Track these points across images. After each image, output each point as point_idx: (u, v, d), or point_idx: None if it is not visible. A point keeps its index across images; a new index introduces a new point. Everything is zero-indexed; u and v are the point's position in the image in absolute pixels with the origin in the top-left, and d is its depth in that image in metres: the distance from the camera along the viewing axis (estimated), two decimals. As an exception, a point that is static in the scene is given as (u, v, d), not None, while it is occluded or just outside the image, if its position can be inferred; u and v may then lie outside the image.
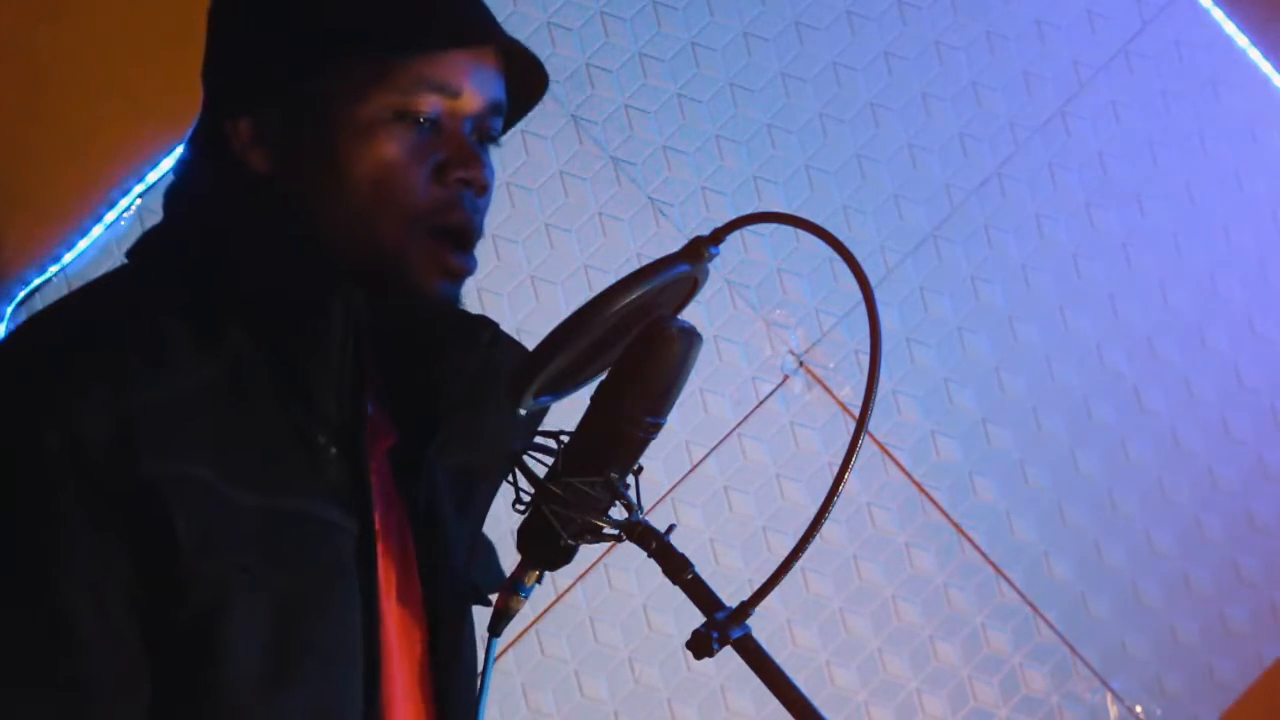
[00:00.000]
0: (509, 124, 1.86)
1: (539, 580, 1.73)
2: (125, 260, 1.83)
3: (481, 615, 1.83)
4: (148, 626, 1.65)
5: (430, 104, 1.75)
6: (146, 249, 1.80)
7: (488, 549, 1.90)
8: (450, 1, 1.79)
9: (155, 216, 2.82)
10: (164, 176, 2.86)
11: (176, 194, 1.81)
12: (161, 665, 1.65)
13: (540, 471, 1.69)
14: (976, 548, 3.10)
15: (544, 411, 1.81)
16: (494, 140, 1.82)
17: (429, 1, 1.77)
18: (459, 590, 1.84)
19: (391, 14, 1.75)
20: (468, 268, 1.79)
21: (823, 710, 1.60)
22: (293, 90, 1.75)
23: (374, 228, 1.74)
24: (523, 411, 1.70)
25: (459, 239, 1.77)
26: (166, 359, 1.67)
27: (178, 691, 1.65)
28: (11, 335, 1.78)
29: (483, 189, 1.77)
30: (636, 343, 1.65)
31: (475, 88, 1.77)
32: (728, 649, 1.61)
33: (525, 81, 1.84)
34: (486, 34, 1.79)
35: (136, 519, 1.63)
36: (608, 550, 2.92)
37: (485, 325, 1.87)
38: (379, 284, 1.75)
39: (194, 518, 1.63)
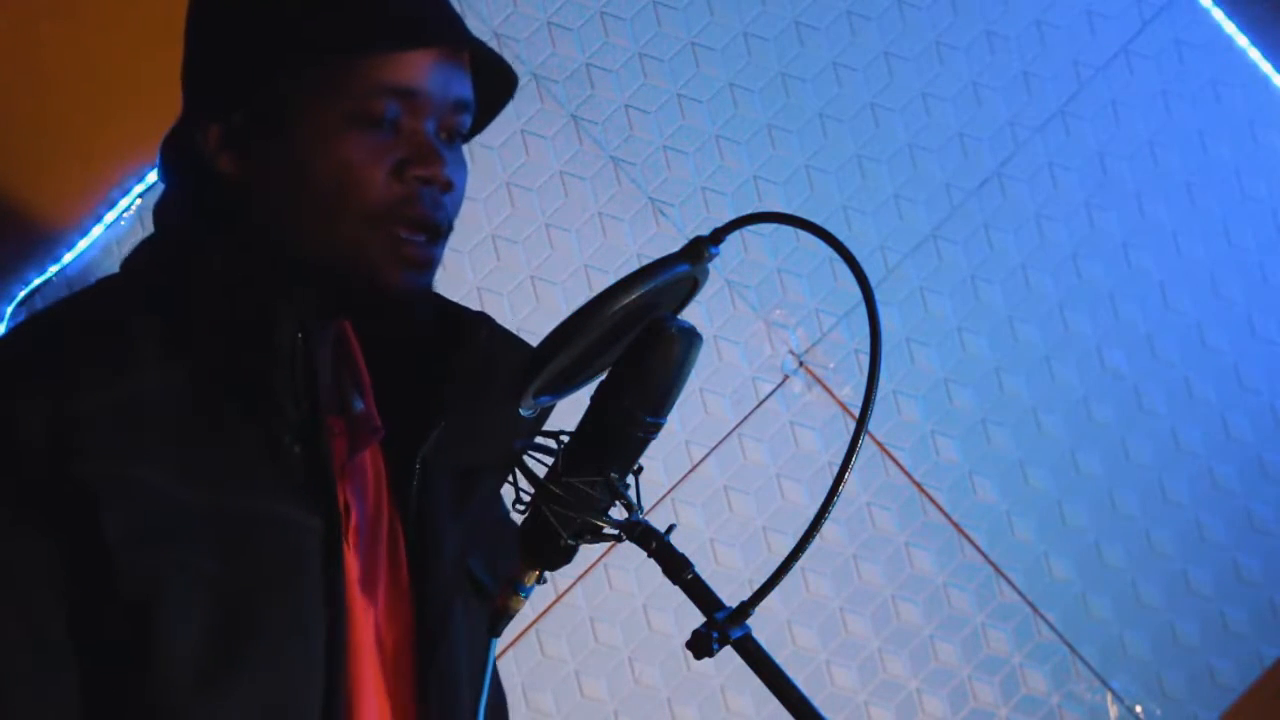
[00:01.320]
0: (486, 119, 1.87)
1: (539, 580, 1.73)
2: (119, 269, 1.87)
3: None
4: (83, 626, 1.67)
5: (386, 106, 1.76)
6: (136, 258, 1.83)
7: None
8: (405, 3, 1.79)
9: (155, 216, 2.85)
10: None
11: (159, 205, 1.85)
12: (98, 663, 1.67)
13: (540, 471, 1.69)
14: (976, 548, 3.10)
15: (549, 409, 1.81)
16: (464, 137, 1.82)
17: (382, 4, 1.77)
18: (449, 587, 1.84)
19: (343, 19, 1.76)
20: (432, 256, 1.79)
21: (823, 710, 1.60)
22: (256, 96, 1.77)
23: (335, 227, 1.75)
24: (527, 411, 1.71)
25: (420, 233, 1.77)
26: (124, 363, 1.71)
27: (115, 689, 1.67)
28: None
29: (446, 186, 1.78)
30: (636, 343, 1.65)
31: (435, 87, 1.77)
32: (728, 649, 1.62)
33: (495, 77, 1.84)
34: (437, 35, 1.79)
35: (67, 518, 1.66)
36: (608, 550, 2.92)
37: (483, 322, 1.88)
38: (345, 282, 1.77)
39: (125, 516, 1.66)
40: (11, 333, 1.83)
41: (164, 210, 1.85)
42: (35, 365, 1.70)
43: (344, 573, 1.75)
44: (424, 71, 1.77)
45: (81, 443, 1.67)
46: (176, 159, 1.83)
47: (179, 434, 1.71)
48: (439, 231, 1.78)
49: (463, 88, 1.80)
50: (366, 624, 1.78)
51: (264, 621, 1.71)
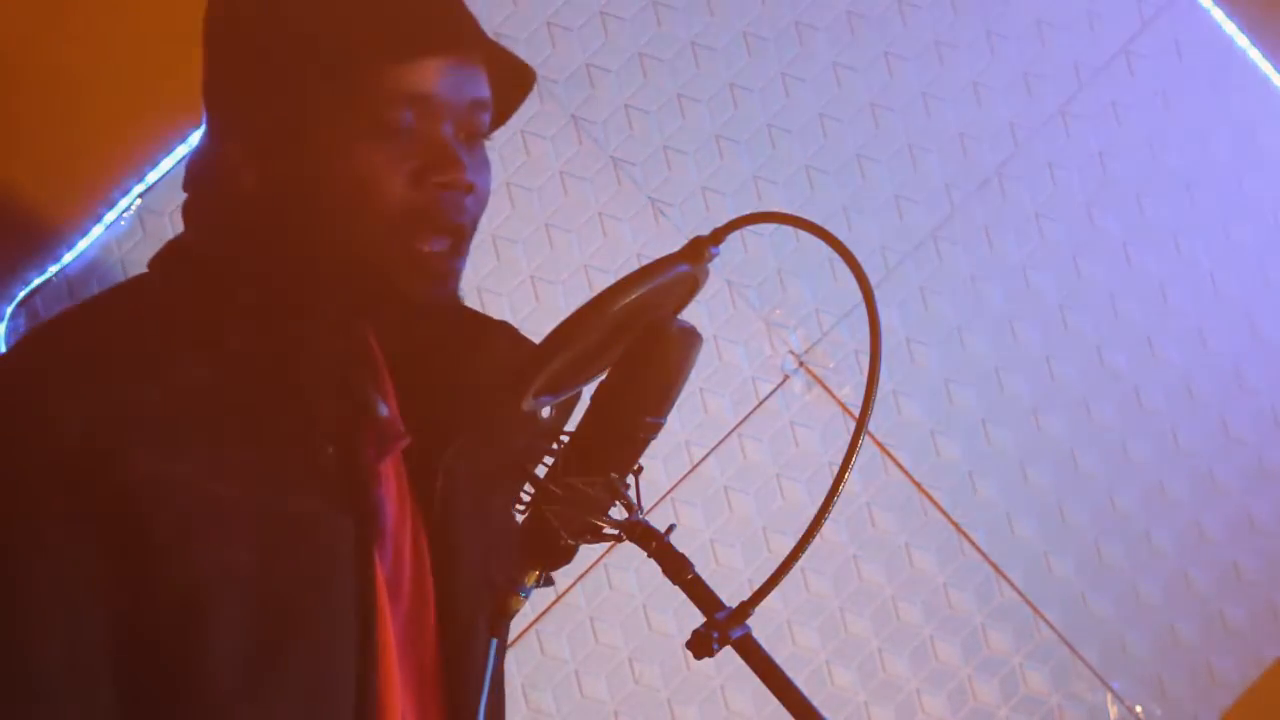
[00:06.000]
0: (504, 117, 1.87)
1: (539, 580, 1.73)
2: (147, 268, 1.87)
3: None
4: (128, 628, 1.66)
5: (400, 114, 1.76)
6: (164, 257, 1.83)
7: None
8: (411, 9, 1.79)
9: (155, 216, 2.85)
10: (164, 176, 2.86)
11: (187, 206, 1.85)
12: (145, 662, 1.67)
13: (541, 472, 1.69)
14: (976, 548, 3.10)
15: (568, 412, 1.82)
16: (484, 136, 1.82)
17: (388, 13, 1.77)
18: (473, 594, 1.85)
19: (349, 32, 1.76)
20: (453, 267, 1.79)
21: (823, 710, 1.60)
22: (272, 113, 1.76)
23: (355, 240, 1.75)
24: (546, 412, 1.72)
25: (442, 239, 1.77)
26: (160, 362, 1.70)
27: (162, 688, 1.67)
28: (14, 344, 1.82)
29: (467, 188, 1.77)
30: (636, 343, 1.65)
31: (449, 90, 1.77)
32: (728, 649, 1.62)
33: (512, 74, 1.84)
34: (441, 42, 1.79)
35: (113, 517, 1.65)
36: (608, 550, 2.92)
37: (504, 330, 1.88)
38: (367, 294, 1.77)
39: (172, 515, 1.66)
40: (42, 332, 1.82)
41: (192, 213, 1.85)
42: (69, 365, 1.70)
43: (375, 574, 1.75)
44: (434, 77, 1.76)
45: (121, 441, 1.66)
46: (201, 173, 1.83)
47: (214, 432, 1.71)
48: (461, 234, 1.78)
49: (476, 87, 1.80)
50: (391, 627, 1.78)
51: (301, 621, 1.71)
